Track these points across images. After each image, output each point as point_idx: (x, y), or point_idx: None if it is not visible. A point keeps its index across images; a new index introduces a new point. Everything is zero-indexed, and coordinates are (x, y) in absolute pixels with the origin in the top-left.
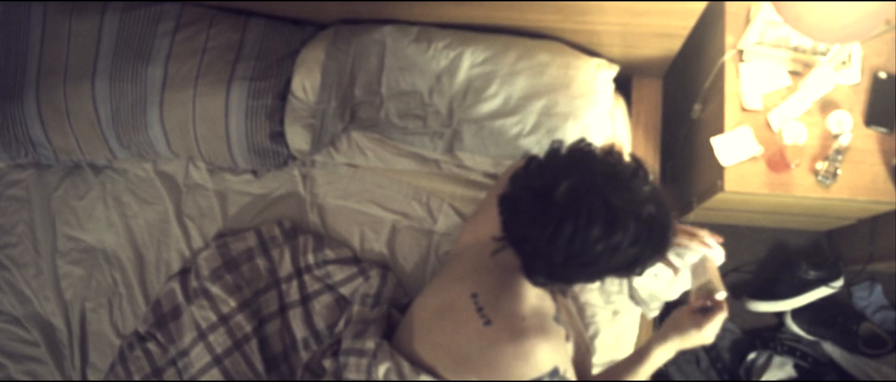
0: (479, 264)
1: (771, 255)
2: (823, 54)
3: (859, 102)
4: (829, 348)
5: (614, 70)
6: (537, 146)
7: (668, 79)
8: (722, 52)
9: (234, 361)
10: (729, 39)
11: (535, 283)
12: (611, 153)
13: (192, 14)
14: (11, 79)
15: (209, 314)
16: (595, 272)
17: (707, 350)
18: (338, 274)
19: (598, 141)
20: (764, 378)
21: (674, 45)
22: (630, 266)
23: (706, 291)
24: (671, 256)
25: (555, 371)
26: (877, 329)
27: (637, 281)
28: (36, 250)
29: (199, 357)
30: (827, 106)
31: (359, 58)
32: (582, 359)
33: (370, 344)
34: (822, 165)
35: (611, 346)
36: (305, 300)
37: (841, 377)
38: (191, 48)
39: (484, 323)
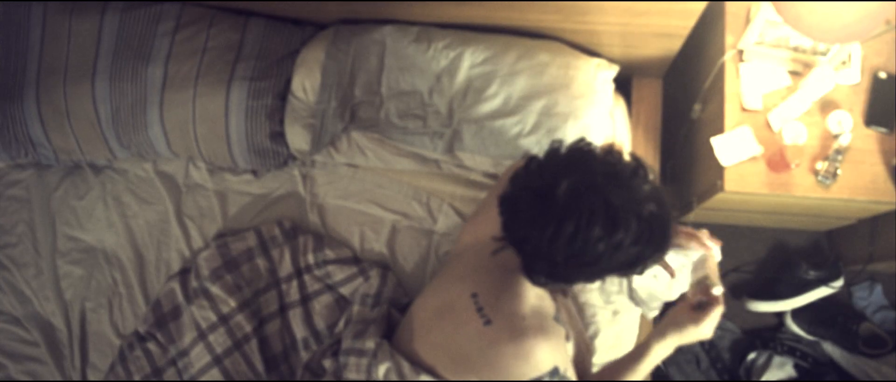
0: (479, 264)
1: (771, 255)
2: (823, 54)
3: (859, 102)
4: (829, 348)
5: (614, 70)
6: (537, 146)
7: (668, 79)
8: (722, 52)
9: (234, 361)
10: (729, 39)
11: (536, 283)
12: (611, 152)
13: (192, 14)
14: (11, 79)
15: (209, 314)
16: (596, 271)
17: (707, 350)
18: (338, 274)
19: (598, 141)
20: (764, 378)
21: (674, 45)
22: (631, 265)
23: (703, 286)
24: (670, 257)
25: (555, 371)
26: (877, 329)
27: (636, 282)
28: (36, 250)
29: (199, 357)
30: (827, 106)
31: (359, 58)
32: (582, 359)
33: (370, 344)
34: (822, 165)
35: (611, 346)
36: (305, 300)
37: (841, 377)
38: (191, 48)
39: (484, 323)
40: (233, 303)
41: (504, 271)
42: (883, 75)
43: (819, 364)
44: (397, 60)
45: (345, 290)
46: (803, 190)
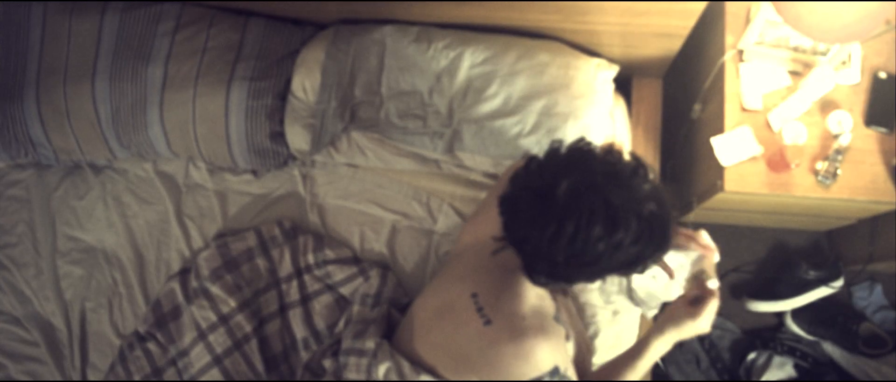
0: (480, 264)
1: (771, 255)
2: (823, 54)
3: (859, 102)
4: (829, 348)
5: (614, 70)
6: (537, 146)
7: (668, 79)
8: (722, 52)
9: (234, 361)
10: (729, 39)
11: (537, 283)
12: (610, 152)
13: (192, 14)
14: (11, 79)
15: (209, 314)
16: (597, 271)
17: (707, 350)
18: (338, 274)
19: (598, 141)
20: (764, 378)
21: (674, 45)
22: (632, 264)
23: (699, 281)
24: (669, 257)
25: (555, 371)
26: (877, 329)
27: (635, 282)
28: (36, 250)
29: (199, 357)
30: (827, 106)
31: (359, 58)
32: (582, 359)
33: (370, 344)
34: (822, 165)
35: (611, 346)
36: (305, 300)
37: (841, 377)
38: (191, 48)
39: (484, 323)
40: (233, 303)
41: (504, 271)
42: (883, 75)
43: (819, 364)
44: (397, 60)
45: (345, 290)
46: (803, 190)
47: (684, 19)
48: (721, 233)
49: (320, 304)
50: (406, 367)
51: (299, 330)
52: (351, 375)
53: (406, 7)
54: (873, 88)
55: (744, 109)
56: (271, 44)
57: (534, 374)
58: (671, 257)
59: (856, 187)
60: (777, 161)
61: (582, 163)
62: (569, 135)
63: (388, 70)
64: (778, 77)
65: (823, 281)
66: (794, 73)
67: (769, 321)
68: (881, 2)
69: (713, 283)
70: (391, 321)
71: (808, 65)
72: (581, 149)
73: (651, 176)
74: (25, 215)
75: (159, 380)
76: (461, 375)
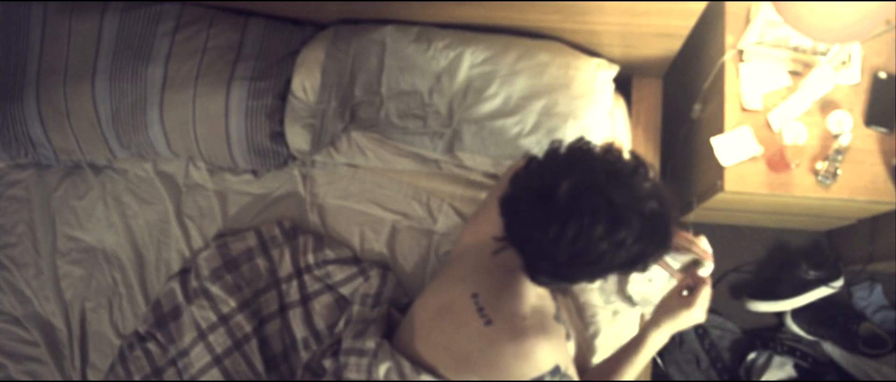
0: (480, 264)
1: (771, 255)
2: (823, 54)
3: (859, 102)
4: (829, 348)
5: (614, 70)
6: (537, 146)
7: (668, 79)
8: (722, 52)
9: (234, 361)
10: (729, 39)
11: (539, 283)
12: (610, 151)
13: (192, 14)
14: (11, 79)
15: (209, 314)
16: (599, 270)
17: (707, 349)
18: (338, 274)
19: (598, 141)
20: (764, 378)
21: (674, 45)
22: (634, 262)
23: (690, 272)
24: (668, 258)
25: (556, 370)
26: (877, 329)
27: (631, 286)
28: (36, 250)
29: (199, 357)
30: (827, 106)
31: (359, 58)
32: (583, 358)
33: (371, 344)
34: (822, 165)
35: (611, 346)
36: (305, 300)
37: (841, 377)
38: (191, 48)
39: (484, 323)
40: (233, 303)
41: (505, 271)
42: (883, 75)
43: (819, 364)
44: (397, 60)
45: (345, 290)
46: (803, 190)
47: (684, 19)
48: (721, 233)
49: (320, 304)
50: (407, 367)
51: (299, 330)
52: (351, 375)
53: (406, 7)
54: (873, 88)
55: (744, 109)
56: (271, 44)
57: (535, 374)
58: (670, 258)
59: (856, 187)
60: (777, 161)
61: (582, 163)
62: (569, 135)
63: (388, 70)
64: (778, 77)
65: (823, 281)
66: (794, 73)
67: (769, 321)
68: (881, 2)
69: (704, 270)
70: (391, 321)
71: (808, 65)
72: (581, 149)
73: (651, 174)
74: (25, 215)
75: (159, 380)
76: (462, 375)
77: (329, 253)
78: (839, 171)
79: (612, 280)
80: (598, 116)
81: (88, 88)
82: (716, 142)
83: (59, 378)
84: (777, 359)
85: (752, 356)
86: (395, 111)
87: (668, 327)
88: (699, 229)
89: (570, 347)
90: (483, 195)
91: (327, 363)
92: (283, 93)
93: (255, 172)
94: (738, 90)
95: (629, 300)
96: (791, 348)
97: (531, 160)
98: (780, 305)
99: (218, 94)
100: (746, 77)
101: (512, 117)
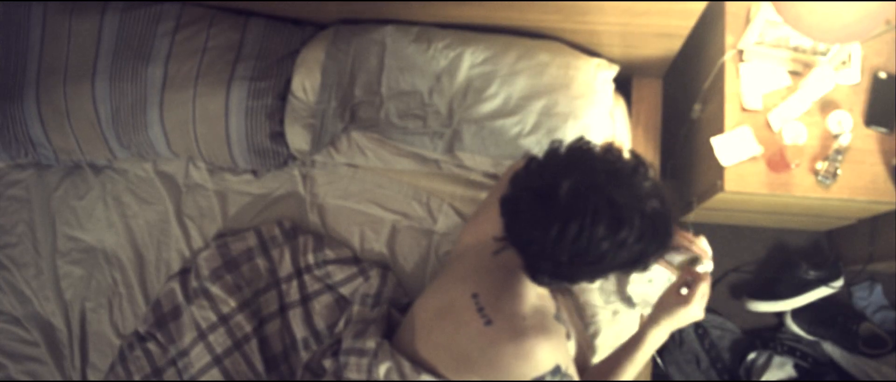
0: (480, 264)
1: (771, 255)
2: (823, 54)
3: (859, 102)
4: (829, 348)
5: (614, 70)
6: (537, 146)
7: (668, 79)
8: (722, 52)
9: (234, 361)
10: (729, 39)
11: (539, 283)
12: (610, 150)
13: (192, 14)
14: (11, 79)
15: (209, 314)
16: (600, 269)
17: (707, 349)
18: (338, 274)
19: (598, 140)
20: (764, 378)
21: (674, 45)
22: (635, 261)
23: (688, 269)
24: (667, 258)
25: (556, 370)
26: (877, 329)
27: (631, 287)
28: (36, 250)
29: (199, 357)
30: (827, 106)
31: (359, 58)
32: (584, 357)
33: (371, 344)
34: (822, 165)
35: (611, 346)
36: (305, 300)
37: (841, 377)
38: (191, 48)
39: (485, 323)
40: (233, 303)
41: (505, 271)
42: (883, 75)
43: (819, 364)
44: (397, 60)
45: (345, 290)
46: (803, 190)
47: (684, 19)
48: (721, 233)
49: (320, 304)
50: (407, 367)
51: (299, 330)
52: (351, 375)
53: (406, 7)
54: (873, 88)
55: (744, 109)
56: (271, 44)
57: (535, 374)
58: (669, 257)
59: (856, 187)
60: (777, 161)
61: (582, 163)
62: (569, 135)
63: (388, 70)
64: (778, 77)
65: (823, 281)
66: (794, 73)
67: (769, 321)
68: (881, 2)
69: (702, 267)
70: (391, 321)
71: (808, 65)
72: (581, 149)
73: (651, 173)
74: (25, 215)
75: (159, 380)
76: (462, 375)
77: (329, 253)
78: (839, 171)
79: (613, 279)
80: (598, 116)
81: (88, 88)
82: (716, 142)
83: (59, 378)
84: (777, 359)
85: (752, 356)
86: (395, 111)
87: (666, 324)
88: (699, 229)
89: (571, 347)
90: (483, 195)
91: (327, 363)
92: (283, 93)
93: (255, 172)
94: (738, 90)
95: (629, 301)
96: (791, 348)
97: (531, 160)
98: (780, 305)
99: (218, 94)
100: (746, 77)
101: (512, 117)
